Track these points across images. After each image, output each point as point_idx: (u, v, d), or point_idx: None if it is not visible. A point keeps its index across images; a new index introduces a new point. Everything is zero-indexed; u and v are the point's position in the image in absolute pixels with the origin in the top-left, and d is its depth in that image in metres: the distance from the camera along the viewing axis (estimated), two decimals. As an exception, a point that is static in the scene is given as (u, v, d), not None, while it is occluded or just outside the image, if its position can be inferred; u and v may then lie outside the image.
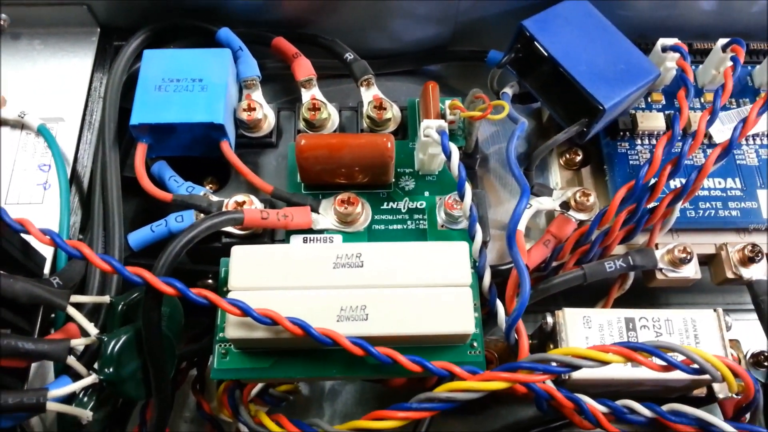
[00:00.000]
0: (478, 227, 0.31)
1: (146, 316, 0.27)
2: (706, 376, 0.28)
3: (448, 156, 0.31)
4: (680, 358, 0.28)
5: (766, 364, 0.39)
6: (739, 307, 0.39)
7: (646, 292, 0.37)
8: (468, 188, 0.31)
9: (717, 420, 0.29)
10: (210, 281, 0.35)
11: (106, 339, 0.27)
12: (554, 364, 0.28)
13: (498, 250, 0.37)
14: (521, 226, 0.32)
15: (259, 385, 0.34)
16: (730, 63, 0.35)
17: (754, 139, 0.37)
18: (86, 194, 0.34)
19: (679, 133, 0.32)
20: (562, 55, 0.33)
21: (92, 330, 0.28)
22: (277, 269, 0.29)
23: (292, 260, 0.29)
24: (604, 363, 0.27)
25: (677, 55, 0.36)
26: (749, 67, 0.39)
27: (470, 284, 0.29)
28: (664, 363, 0.27)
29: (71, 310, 0.27)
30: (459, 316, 0.28)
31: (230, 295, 0.28)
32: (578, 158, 0.38)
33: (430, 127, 0.32)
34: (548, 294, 0.34)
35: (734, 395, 0.31)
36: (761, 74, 0.38)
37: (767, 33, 0.40)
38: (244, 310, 0.27)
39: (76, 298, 0.28)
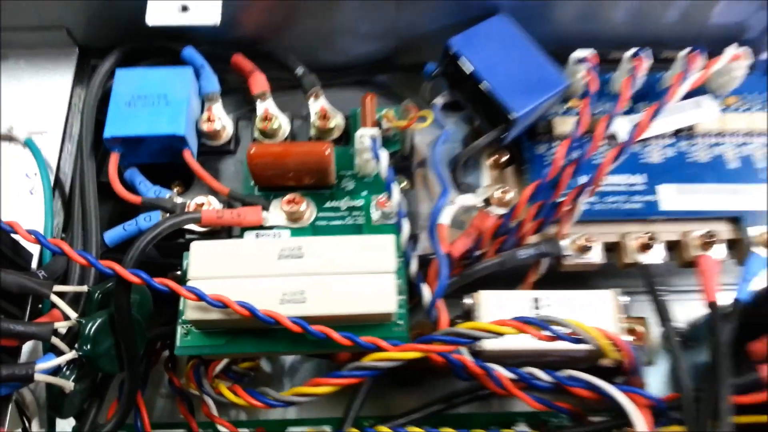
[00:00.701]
0: (405, 222, 0.36)
1: (117, 302, 0.32)
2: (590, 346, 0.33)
3: (377, 159, 0.36)
4: (567, 331, 0.33)
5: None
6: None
7: (579, 276, 0.42)
8: (396, 188, 0.36)
9: (602, 382, 0.34)
10: (179, 272, 0.40)
11: (84, 321, 0.32)
12: (463, 336, 0.33)
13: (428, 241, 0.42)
14: (443, 221, 0.37)
15: (223, 363, 0.39)
16: (626, 74, 0.40)
17: (655, 140, 0.42)
18: (68, 198, 0.39)
19: (578, 138, 0.37)
20: (482, 70, 0.38)
21: (72, 314, 0.33)
22: (230, 261, 0.34)
23: (243, 253, 0.34)
24: (500, 334, 0.32)
25: (585, 66, 0.40)
26: (659, 74, 0.44)
27: (394, 271, 0.34)
28: (550, 334, 0.32)
29: (54, 298, 0.32)
30: (382, 298, 0.33)
31: (189, 284, 0.33)
32: (504, 159, 0.43)
33: (364, 136, 0.37)
34: (472, 279, 0.39)
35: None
36: (666, 80, 0.43)
37: (676, 42, 0.44)
38: (199, 296, 0.32)
39: (58, 288, 0.33)
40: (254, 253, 0.34)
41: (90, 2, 0.41)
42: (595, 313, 0.36)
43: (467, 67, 0.39)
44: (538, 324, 0.32)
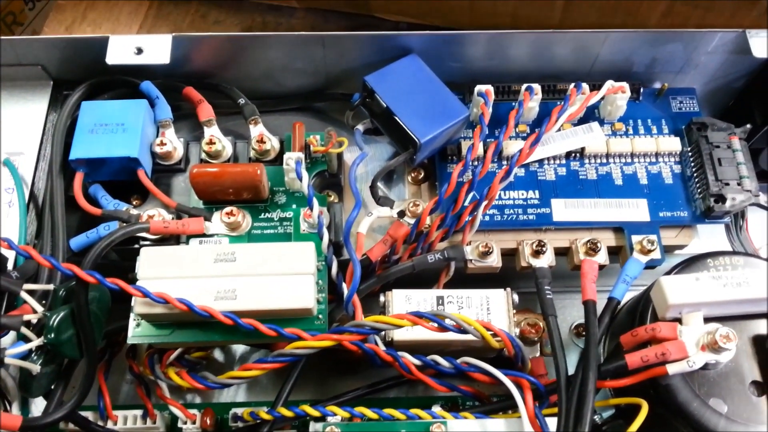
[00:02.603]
0: (324, 230, 0.42)
1: (76, 298, 0.39)
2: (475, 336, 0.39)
3: (300, 179, 0.42)
4: (453, 323, 0.39)
5: (584, 334, 0.50)
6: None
7: (487, 278, 0.48)
8: (315, 202, 0.42)
9: (491, 368, 0.41)
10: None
11: (49, 314, 0.39)
12: (368, 328, 0.40)
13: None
14: (360, 230, 0.44)
15: (177, 352, 0.45)
16: (530, 104, 0.47)
17: (551, 161, 0.49)
18: (40, 210, 0.46)
19: (470, 161, 0.44)
20: (392, 102, 0.45)
21: (39, 308, 0.39)
22: (175, 264, 0.40)
23: (186, 257, 0.41)
24: (398, 326, 0.39)
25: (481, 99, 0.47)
26: (558, 102, 0.51)
27: (312, 272, 0.41)
28: (438, 325, 0.39)
29: (24, 295, 0.39)
30: (301, 295, 0.40)
31: (138, 284, 0.40)
32: (420, 176, 0.50)
33: (289, 158, 0.43)
34: (387, 280, 0.45)
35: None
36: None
37: (572, 76, 0.51)
38: (144, 293, 0.38)
39: (28, 287, 0.39)
40: (195, 257, 0.41)
41: (62, 44, 0.48)
42: (492, 309, 0.43)
43: (381, 101, 0.45)
44: (429, 317, 0.39)
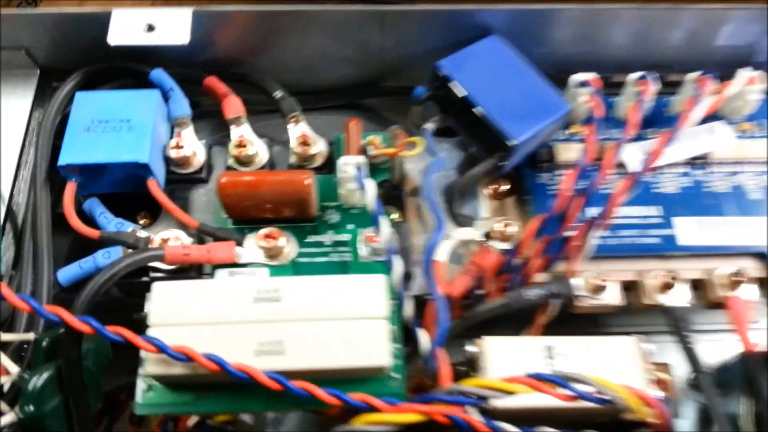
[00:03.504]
0: (396, 259, 0.32)
1: (65, 354, 0.28)
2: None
3: (363, 190, 0.32)
4: (590, 389, 0.29)
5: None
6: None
7: (588, 316, 0.38)
8: (385, 222, 0.32)
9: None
10: (144, 312, 0.36)
11: (27, 377, 0.28)
12: (469, 396, 0.29)
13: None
14: (439, 257, 0.33)
15: (197, 417, 0.34)
16: (633, 99, 0.36)
17: (666, 169, 0.39)
18: (19, 232, 0.35)
19: (586, 167, 0.33)
20: (475, 93, 0.35)
21: (13, 369, 0.28)
22: (198, 305, 0.30)
23: (213, 296, 0.30)
24: (511, 393, 0.28)
25: (588, 90, 0.37)
26: (665, 99, 0.41)
27: (386, 316, 0.30)
28: (571, 393, 0.28)
29: (-7, 350, 0.28)
30: (373, 349, 0.29)
31: (150, 332, 0.29)
32: (504, 188, 0.39)
33: (347, 164, 0.33)
34: (474, 322, 0.35)
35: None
36: (675, 105, 0.40)
37: (682, 65, 0.41)
38: (160, 347, 0.28)
39: (2, 337, 0.29)
40: (225, 295, 0.30)
41: (51, 21, 0.38)
42: (618, 363, 0.32)
43: (459, 90, 0.35)
44: (556, 381, 0.28)
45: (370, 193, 0.32)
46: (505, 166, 0.36)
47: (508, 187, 0.40)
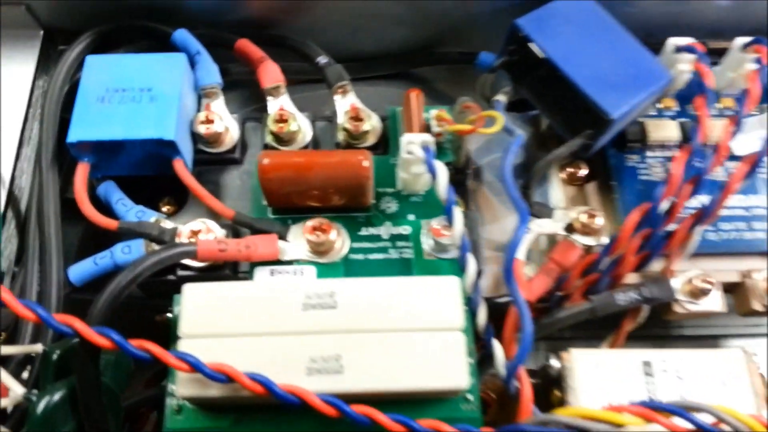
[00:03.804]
0: (470, 258, 0.27)
1: (80, 372, 0.24)
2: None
3: (434, 176, 0.27)
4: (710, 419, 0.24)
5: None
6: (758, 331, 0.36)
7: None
8: (458, 213, 0.27)
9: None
10: (170, 315, 0.31)
11: (35, 398, 0.23)
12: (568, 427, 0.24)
13: (494, 276, 0.32)
14: (520, 255, 0.28)
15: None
16: (753, 65, 0.31)
17: None
18: (23, 220, 0.30)
19: (699, 148, 0.28)
20: (562, 58, 0.29)
21: (18, 389, 0.23)
22: (237, 312, 0.25)
23: (255, 301, 0.25)
24: (620, 426, 0.23)
25: (691, 56, 0.32)
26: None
27: (462, 327, 0.25)
28: (690, 426, 0.23)
29: (-7, 367, 0.23)
30: (450, 368, 0.24)
31: (181, 343, 0.24)
32: (582, 172, 0.34)
33: (412, 143, 0.28)
34: (553, 329, 0.30)
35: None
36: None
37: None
38: (194, 366, 0.23)
39: (2, 350, 0.24)
40: (270, 301, 0.25)
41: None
42: (728, 381, 0.27)
43: (541, 56, 0.30)
44: (673, 411, 0.23)
45: (441, 178, 0.26)
46: (594, 146, 0.30)
47: (586, 171, 0.34)
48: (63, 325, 0.22)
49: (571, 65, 0.29)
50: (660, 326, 0.36)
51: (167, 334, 0.28)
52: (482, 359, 0.28)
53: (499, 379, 0.30)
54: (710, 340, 0.37)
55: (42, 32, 0.34)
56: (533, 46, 0.30)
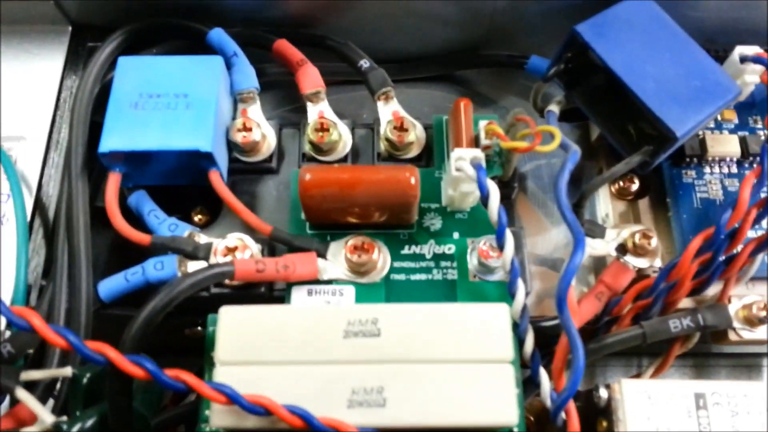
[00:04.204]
0: (520, 284, 0.25)
1: (112, 401, 0.22)
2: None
3: (486, 197, 0.25)
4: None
5: None
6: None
7: None
8: (509, 237, 0.25)
9: None
10: (200, 329, 0.30)
11: (65, 426, 0.22)
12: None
13: (537, 295, 0.31)
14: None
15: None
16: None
17: None
18: (51, 229, 0.29)
19: (770, 171, 0.26)
20: (624, 69, 0.27)
21: (47, 417, 0.22)
22: (275, 338, 0.24)
23: (294, 327, 0.24)
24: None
25: (759, 67, 0.30)
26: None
27: (512, 360, 0.24)
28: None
29: (21, 394, 0.22)
30: (498, 403, 0.23)
31: (218, 371, 0.23)
32: (634, 187, 0.32)
33: (462, 159, 0.26)
34: (599, 355, 0.28)
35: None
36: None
37: None
38: (232, 398, 0.22)
39: (29, 375, 0.23)
40: (310, 327, 0.24)
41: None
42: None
43: (602, 66, 0.28)
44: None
45: (494, 200, 0.25)
46: (653, 163, 0.28)
47: (638, 185, 0.32)
48: (95, 353, 0.21)
49: (634, 77, 0.27)
50: (701, 340, 0.34)
51: (196, 347, 0.27)
52: (524, 382, 0.27)
53: (539, 401, 0.29)
54: (751, 358, 0.36)
55: (70, 28, 0.33)
56: (594, 55, 0.28)
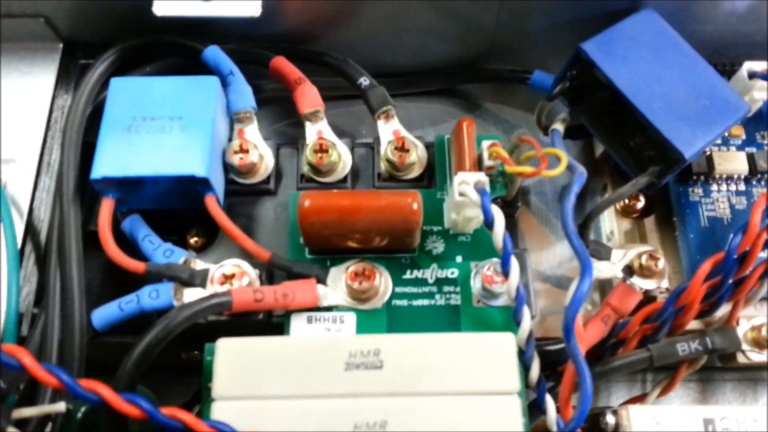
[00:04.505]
0: (526, 312, 0.25)
1: (108, 435, 0.22)
2: None
3: (491, 224, 0.24)
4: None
5: None
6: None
7: None
8: (515, 264, 0.25)
9: None
10: (197, 353, 0.29)
11: (59, 466, 0.22)
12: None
13: (541, 313, 0.30)
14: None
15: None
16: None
17: None
18: (42, 256, 0.28)
19: (782, 192, 0.25)
20: (631, 89, 0.27)
21: (41, 457, 0.22)
22: (274, 371, 0.23)
23: (293, 359, 0.23)
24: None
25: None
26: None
27: (519, 391, 0.23)
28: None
29: (12, 432, 0.22)
30: (506, 437, 0.22)
31: (215, 407, 0.23)
32: (639, 205, 0.31)
33: (466, 183, 0.25)
34: (605, 378, 0.28)
35: None
36: None
37: None
38: (231, 436, 0.21)
39: (21, 413, 0.22)
40: (310, 359, 0.23)
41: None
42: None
43: (608, 85, 0.27)
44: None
45: (498, 227, 0.24)
46: (660, 183, 0.28)
47: (643, 203, 0.32)
48: (89, 392, 0.21)
49: (641, 97, 0.27)
50: (708, 361, 0.34)
51: (193, 367, 0.27)
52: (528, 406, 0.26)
53: (543, 422, 0.28)
54: (757, 371, 0.35)
55: (61, 45, 0.32)
56: (600, 74, 0.27)
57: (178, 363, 0.31)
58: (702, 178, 0.31)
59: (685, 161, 0.26)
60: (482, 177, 0.25)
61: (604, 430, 0.27)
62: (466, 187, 0.25)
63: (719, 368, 0.35)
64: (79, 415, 0.23)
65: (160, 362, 0.26)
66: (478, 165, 0.28)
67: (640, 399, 0.31)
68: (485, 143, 0.28)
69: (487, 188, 0.25)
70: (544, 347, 0.28)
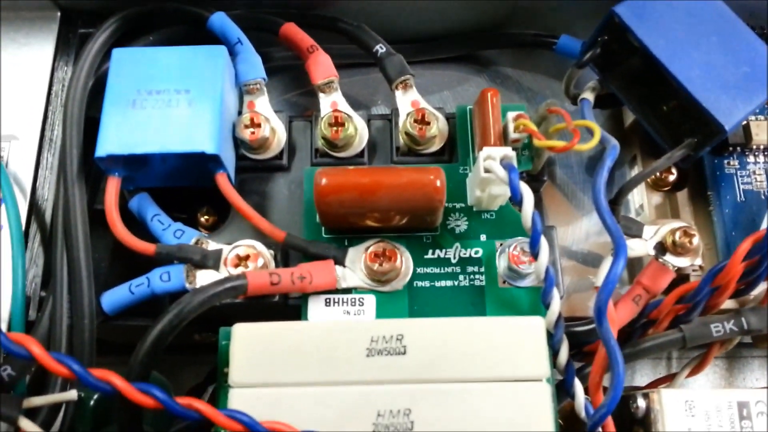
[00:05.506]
0: (555, 294, 0.24)
1: (122, 424, 0.21)
2: None
3: (519, 202, 0.23)
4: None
5: None
6: None
7: None
8: (544, 244, 0.23)
9: None
10: (211, 334, 0.29)
11: (72, 457, 0.21)
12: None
13: (567, 291, 0.29)
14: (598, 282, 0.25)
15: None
16: None
17: None
18: (48, 236, 0.27)
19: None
20: (668, 56, 0.25)
21: (52, 447, 0.21)
22: (293, 357, 0.22)
23: (313, 345, 0.22)
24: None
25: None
26: None
27: (548, 377, 0.22)
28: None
29: (25, 424, 0.21)
30: (535, 425, 0.21)
31: (232, 394, 0.22)
32: (671, 178, 0.30)
33: (492, 158, 0.24)
34: (636, 359, 0.27)
35: None
36: None
37: None
38: (248, 426, 0.20)
39: (31, 402, 0.21)
40: (330, 345, 0.22)
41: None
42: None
43: (648, 51, 0.25)
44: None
45: (527, 206, 0.23)
46: (696, 156, 0.26)
47: (675, 176, 0.30)
48: (102, 381, 0.20)
49: (679, 64, 0.25)
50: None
51: (206, 353, 0.26)
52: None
53: (569, 404, 0.27)
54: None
55: (59, 14, 0.30)
56: (633, 40, 0.25)
57: (190, 343, 0.30)
58: (738, 149, 0.29)
59: (725, 133, 0.24)
60: (509, 152, 0.24)
61: (634, 414, 0.26)
62: (492, 163, 0.24)
63: (746, 344, 0.34)
64: (92, 402, 0.23)
65: (173, 342, 0.25)
66: (503, 138, 0.26)
67: (667, 379, 0.30)
68: (510, 114, 0.26)
69: (515, 164, 0.24)
70: (571, 329, 0.27)
